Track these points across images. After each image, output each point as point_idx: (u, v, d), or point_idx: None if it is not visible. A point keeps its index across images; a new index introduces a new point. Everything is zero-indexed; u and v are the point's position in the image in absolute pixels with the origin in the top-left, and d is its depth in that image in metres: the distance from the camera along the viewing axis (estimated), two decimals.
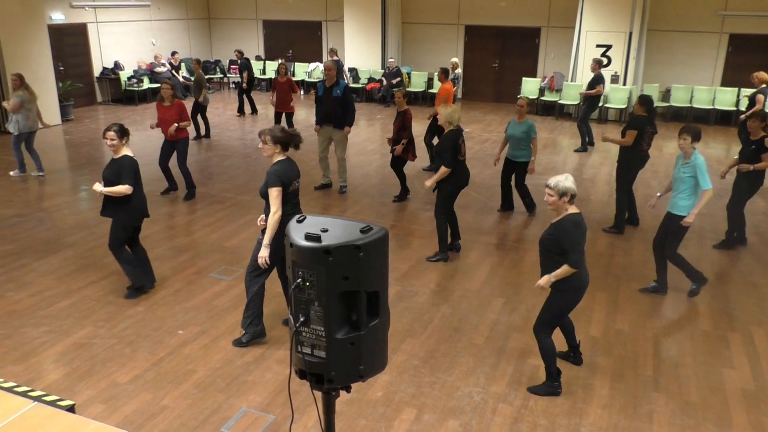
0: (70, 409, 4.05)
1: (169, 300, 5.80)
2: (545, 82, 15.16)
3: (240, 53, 14.78)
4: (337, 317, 2.16)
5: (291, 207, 4.86)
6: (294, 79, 17.58)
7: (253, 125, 13.72)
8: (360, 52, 16.76)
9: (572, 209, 4.21)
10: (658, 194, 6.25)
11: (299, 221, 2.25)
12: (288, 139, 4.82)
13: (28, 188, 9.24)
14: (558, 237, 4.18)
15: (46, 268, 6.40)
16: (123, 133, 5.51)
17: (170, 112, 8.29)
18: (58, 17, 14.67)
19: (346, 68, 16.67)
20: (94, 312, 5.56)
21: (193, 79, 13.64)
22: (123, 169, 5.44)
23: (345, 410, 4.24)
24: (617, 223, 7.52)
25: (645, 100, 7.35)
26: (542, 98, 15.14)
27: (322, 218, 2.27)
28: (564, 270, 4.15)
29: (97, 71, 15.86)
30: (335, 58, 14.21)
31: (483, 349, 5.04)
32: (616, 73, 14.05)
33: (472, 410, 4.32)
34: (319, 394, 2.34)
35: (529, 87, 15.31)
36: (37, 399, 4.04)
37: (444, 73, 9.96)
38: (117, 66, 16.10)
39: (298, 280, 2.14)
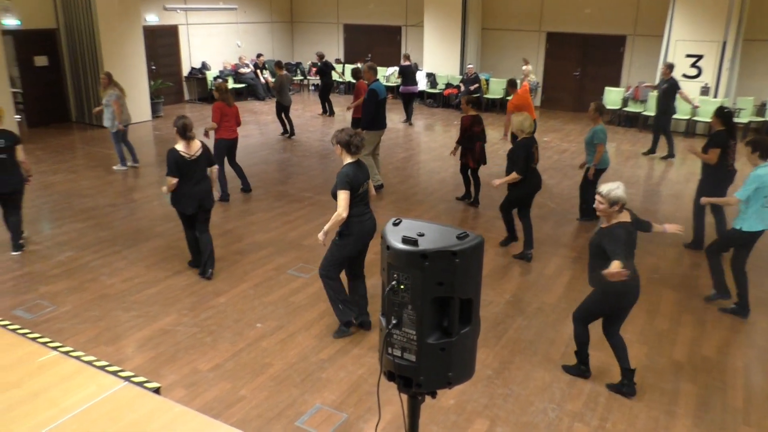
0: (156, 391, 4.25)
1: (249, 294, 5.98)
2: (629, 92, 14.65)
3: (320, 56, 15.15)
4: (429, 322, 2.16)
5: (363, 207, 5.01)
6: None
7: (332, 127, 13.96)
8: (438, 58, 16.76)
9: (622, 217, 4.23)
10: None
11: (395, 224, 2.27)
12: (348, 142, 4.90)
13: (121, 179, 9.76)
14: (603, 242, 4.20)
15: (136, 256, 6.75)
16: (175, 125, 5.93)
17: None
18: (152, 19, 15.46)
19: (424, 73, 16.71)
20: (179, 301, 5.81)
21: (273, 80, 14.15)
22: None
23: None
24: (695, 239, 7.22)
25: (722, 113, 6.98)
26: (625, 109, 14.64)
27: (417, 222, 2.28)
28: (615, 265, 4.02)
29: (185, 71, 16.60)
30: (406, 63, 14.51)
31: (559, 365, 4.91)
32: (706, 84, 13.41)
33: (546, 427, 4.22)
34: (394, 395, 2.35)
35: (612, 97, 14.85)
36: (127, 379, 4.26)
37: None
38: (204, 66, 16.78)
39: (393, 283, 2.16)
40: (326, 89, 14.98)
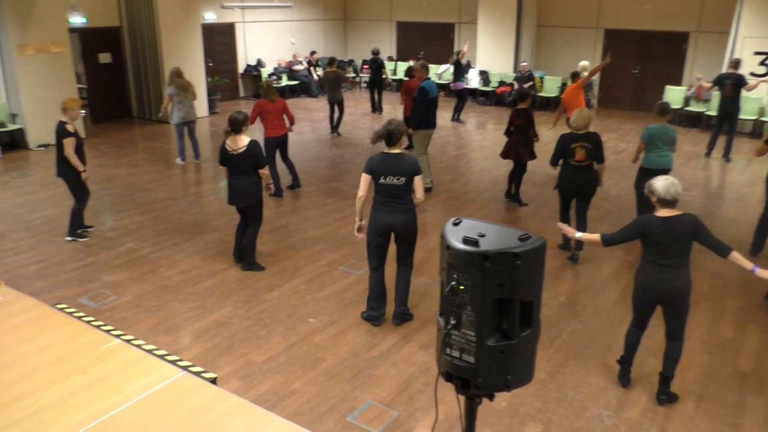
0: (213, 381, 4.35)
1: (302, 289, 6.07)
2: (692, 90, 14.13)
3: (374, 52, 15.24)
4: (489, 324, 2.14)
5: (385, 197, 5.04)
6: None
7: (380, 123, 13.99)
8: (492, 55, 16.56)
9: (661, 212, 4.18)
10: None
11: (455, 224, 2.25)
12: (381, 134, 5.05)
13: (179, 174, 10.05)
14: None
15: (193, 249, 6.94)
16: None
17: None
18: (210, 17, 15.82)
19: (476, 70, 16.57)
20: (234, 294, 5.93)
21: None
22: None
23: None
24: (754, 245, 6.91)
25: None
26: (687, 108, 14.12)
27: (477, 222, 2.26)
28: (595, 235, 4.45)
29: (241, 68, 16.94)
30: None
31: (615, 371, 4.78)
32: None
33: None
34: (446, 395, 2.33)
35: (673, 96, 14.34)
36: (185, 369, 4.38)
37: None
38: (259, 63, 17.08)
39: (453, 283, 2.15)
40: (374, 86, 15.03)
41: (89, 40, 13.56)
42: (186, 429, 3.71)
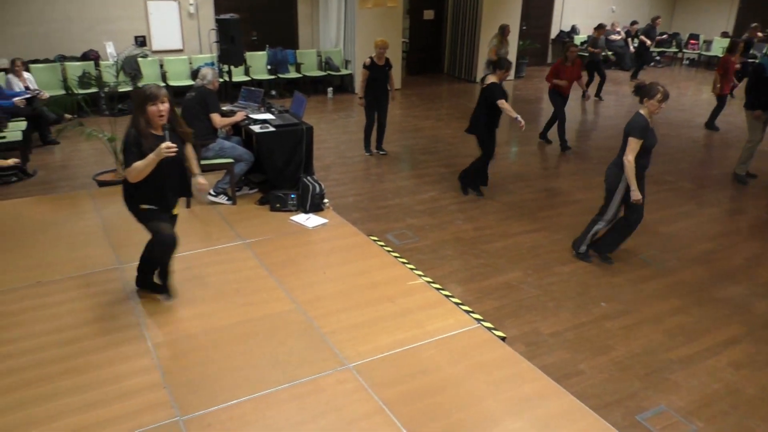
0: (502, 340, 4.43)
1: (594, 270, 5.77)
2: None
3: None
4: None
5: (645, 163, 5.62)
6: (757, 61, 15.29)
7: (702, 108, 12.45)
8: None
9: None
10: None
11: None
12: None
13: None
14: None
15: (489, 208, 7.08)
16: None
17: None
18: None
19: None
20: (524, 260, 5.91)
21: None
22: None
23: None
24: None
25: None
26: None
27: None
28: None
29: (553, 33, 16.50)
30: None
31: None
32: None
33: None
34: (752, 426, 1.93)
35: None
36: (479, 321, 4.53)
37: None
38: (573, 30, 16.44)
39: None
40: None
41: None
42: (476, 379, 3.85)
